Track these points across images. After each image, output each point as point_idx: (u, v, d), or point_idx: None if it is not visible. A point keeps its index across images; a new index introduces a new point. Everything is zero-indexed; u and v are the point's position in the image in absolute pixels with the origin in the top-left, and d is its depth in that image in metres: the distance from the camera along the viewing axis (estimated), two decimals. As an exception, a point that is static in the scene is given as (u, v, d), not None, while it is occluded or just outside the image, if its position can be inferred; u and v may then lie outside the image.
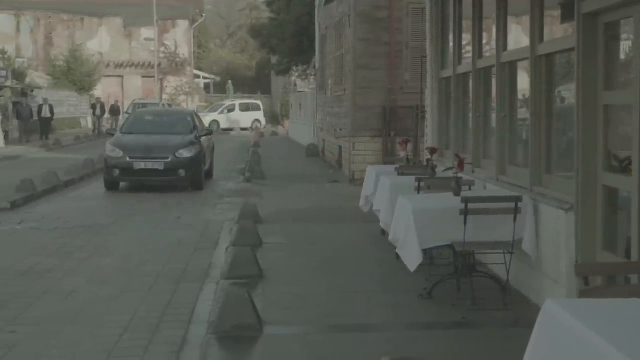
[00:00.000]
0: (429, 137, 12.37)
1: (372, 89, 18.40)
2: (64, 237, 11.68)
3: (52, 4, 56.89)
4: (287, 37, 34.88)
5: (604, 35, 6.29)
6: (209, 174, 19.49)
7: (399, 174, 10.28)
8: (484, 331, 6.67)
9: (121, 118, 40.54)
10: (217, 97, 62.05)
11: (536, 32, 7.75)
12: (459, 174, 8.11)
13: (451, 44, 11.28)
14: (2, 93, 35.49)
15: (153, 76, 54.18)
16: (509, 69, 8.89)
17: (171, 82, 58.42)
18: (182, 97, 57.89)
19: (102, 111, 43.82)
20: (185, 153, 17.42)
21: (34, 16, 57.90)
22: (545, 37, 7.74)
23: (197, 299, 7.95)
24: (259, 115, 52.07)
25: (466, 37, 10.64)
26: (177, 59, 59.12)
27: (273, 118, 55.99)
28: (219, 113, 51.02)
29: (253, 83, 70.07)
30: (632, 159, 5.76)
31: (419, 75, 16.41)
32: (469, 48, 10.36)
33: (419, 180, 8.99)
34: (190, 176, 17.45)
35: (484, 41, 9.97)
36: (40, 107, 36.81)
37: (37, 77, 48.47)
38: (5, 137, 32.58)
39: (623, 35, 6.29)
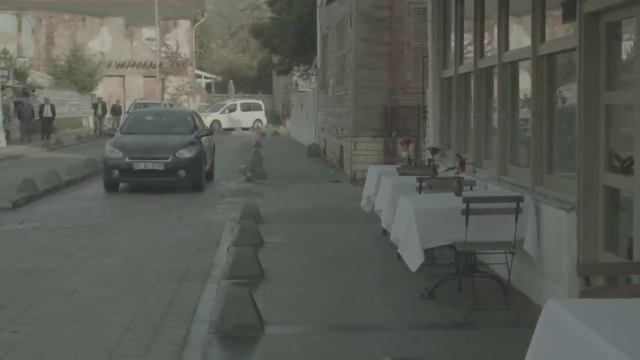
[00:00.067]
0: (431, 137, 12.37)
1: (373, 89, 18.40)
2: (65, 237, 11.68)
3: (54, 4, 56.90)
4: (289, 37, 34.89)
5: (606, 35, 6.28)
6: (209, 174, 19.32)
7: (400, 174, 10.27)
8: (486, 331, 6.67)
9: (123, 118, 40.55)
10: (219, 97, 62.08)
11: (538, 32, 7.74)
12: (461, 174, 8.10)
13: (453, 44, 11.28)
14: (4, 93, 35.50)
15: (155, 76, 54.23)
16: (511, 69, 8.89)
17: (173, 82, 58.43)
18: (184, 97, 57.91)
19: (104, 111, 43.85)
20: (185, 153, 17.26)
21: (36, 16, 57.93)
22: (547, 37, 7.74)
23: (198, 299, 7.95)
24: (261, 115, 52.07)
25: (468, 37, 10.64)
26: (179, 59, 59.12)
27: (274, 118, 56.00)
28: (220, 113, 51.05)
29: (255, 83, 70.08)
30: (634, 159, 5.76)
31: (420, 75, 16.40)
32: (471, 48, 10.36)
33: (420, 180, 8.98)
34: (190, 177, 17.29)
35: (485, 41, 9.97)
36: (42, 107, 36.85)
37: (38, 77, 48.50)
38: (7, 137, 32.61)
39: (625, 36, 6.28)
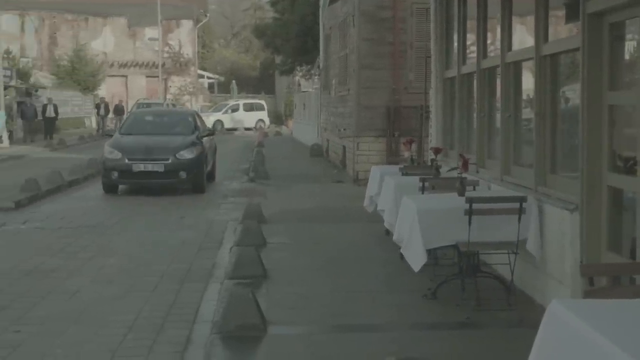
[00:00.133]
0: (434, 138, 12.36)
1: (376, 89, 18.40)
2: (68, 237, 11.69)
3: (57, 4, 56.98)
4: (292, 37, 34.90)
5: (609, 35, 6.28)
6: (211, 176, 18.97)
7: (403, 174, 10.26)
8: (489, 332, 6.67)
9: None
10: (221, 97, 62.10)
11: (541, 33, 7.73)
12: (464, 175, 8.10)
13: (456, 44, 11.27)
14: (7, 93, 35.53)
15: (157, 76, 54.24)
16: (514, 69, 8.88)
17: (175, 82, 58.48)
18: (186, 97, 57.95)
19: (107, 111, 43.90)
20: (186, 154, 16.92)
21: (39, 16, 58.01)
22: (550, 38, 7.73)
23: (201, 299, 7.95)
24: (263, 115, 52.09)
25: (471, 38, 10.63)
26: (182, 59, 59.17)
27: (277, 118, 56.01)
28: (223, 113, 51.07)
29: (257, 83, 70.11)
30: (637, 160, 5.75)
31: (423, 75, 16.40)
32: (474, 48, 10.35)
33: (423, 180, 8.99)
34: (191, 178, 16.95)
35: (488, 41, 9.96)
36: (44, 107, 36.90)
37: (41, 77, 48.53)
38: (10, 137, 32.64)
39: (628, 36, 6.28)
